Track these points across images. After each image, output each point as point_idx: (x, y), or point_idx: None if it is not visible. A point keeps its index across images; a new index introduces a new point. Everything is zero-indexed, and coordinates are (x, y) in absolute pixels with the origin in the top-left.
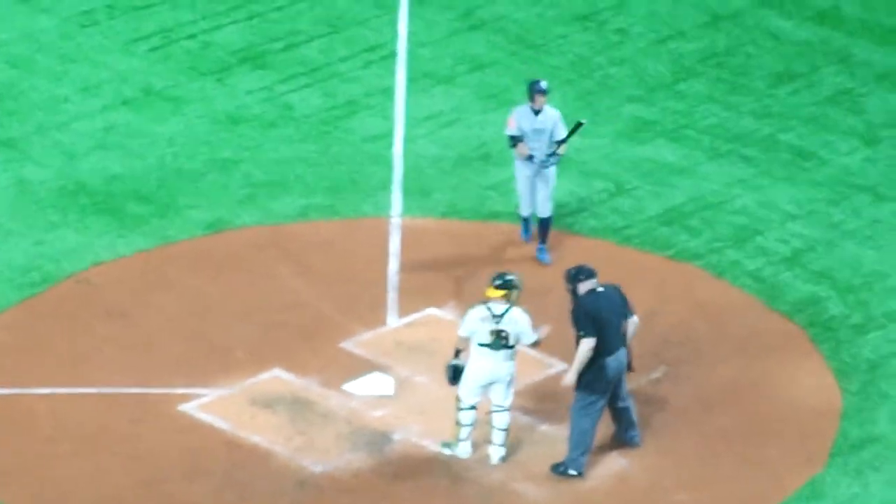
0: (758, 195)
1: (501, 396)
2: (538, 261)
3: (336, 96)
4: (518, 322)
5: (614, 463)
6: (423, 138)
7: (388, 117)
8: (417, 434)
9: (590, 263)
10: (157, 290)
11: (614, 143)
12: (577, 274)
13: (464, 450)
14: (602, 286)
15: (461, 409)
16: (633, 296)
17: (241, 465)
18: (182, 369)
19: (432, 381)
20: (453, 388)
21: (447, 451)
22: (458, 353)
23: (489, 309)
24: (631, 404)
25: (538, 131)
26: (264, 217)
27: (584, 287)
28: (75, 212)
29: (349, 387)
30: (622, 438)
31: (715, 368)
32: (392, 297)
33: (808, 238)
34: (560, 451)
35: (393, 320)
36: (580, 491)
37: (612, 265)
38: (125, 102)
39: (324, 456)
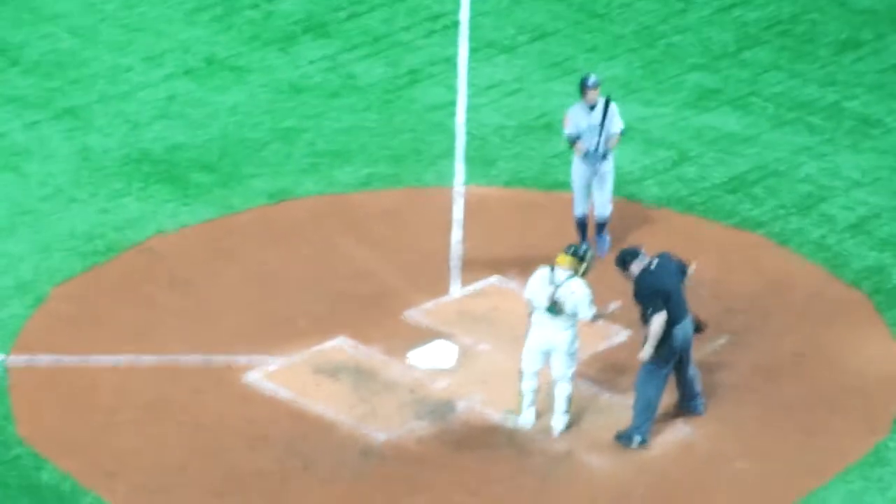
0: (822, 163)
1: (561, 366)
2: (599, 252)
3: (399, 65)
4: (575, 293)
5: (677, 431)
6: (485, 107)
7: (450, 86)
8: (480, 403)
9: (634, 246)
10: (221, 259)
11: (678, 111)
12: (625, 258)
13: (526, 418)
14: (653, 259)
15: (523, 380)
16: (699, 264)
17: (303, 435)
18: (245, 339)
19: (495, 350)
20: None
21: (510, 420)
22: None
23: (552, 271)
24: (696, 373)
25: (593, 127)
26: (327, 186)
27: (636, 268)
28: (139, 180)
29: (412, 355)
30: (686, 407)
31: (778, 337)
32: (455, 266)
33: (873, 205)
34: (624, 420)
35: (456, 289)
36: (643, 459)
37: (676, 234)
38: (188, 72)
39: (387, 424)
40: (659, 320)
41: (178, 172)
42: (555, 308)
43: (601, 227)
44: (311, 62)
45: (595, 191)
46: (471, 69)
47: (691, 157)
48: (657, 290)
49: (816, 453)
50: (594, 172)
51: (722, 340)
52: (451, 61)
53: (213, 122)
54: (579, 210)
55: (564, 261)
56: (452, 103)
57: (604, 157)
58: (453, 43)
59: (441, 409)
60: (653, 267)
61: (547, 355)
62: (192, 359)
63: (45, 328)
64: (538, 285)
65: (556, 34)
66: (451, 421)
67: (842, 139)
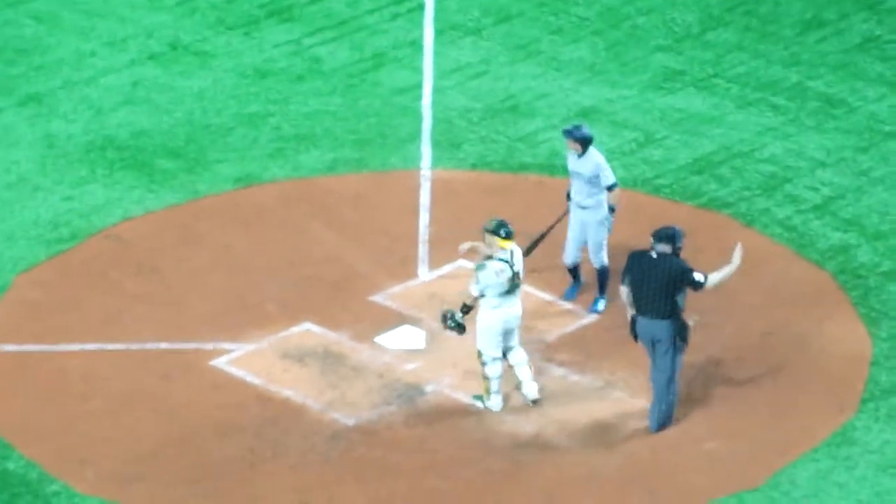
0: (787, 143)
1: (515, 336)
2: (590, 311)
3: (363, 49)
4: (520, 257)
5: (645, 412)
6: (451, 90)
7: (416, 69)
8: (449, 386)
9: (673, 228)
10: (187, 245)
11: (643, 93)
12: (655, 233)
13: (496, 402)
14: (657, 254)
15: (487, 363)
16: None
17: (272, 420)
18: (213, 324)
19: (464, 334)
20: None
21: (479, 405)
22: (467, 311)
23: (503, 259)
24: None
25: (575, 174)
26: (293, 171)
27: (660, 248)
28: (104, 167)
29: (380, 340)
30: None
31: (745, 317)
32: (422, 249)
33: (838, 185)
34: (592, 401)
35: (424, 273)
36: (613, 440)
37: (642, 215)
38: (152, 57)
39: (356, 409)
40: (621, 289)
41: (144, 158)
42: (516, 284)
43: (599, 284)
44: (276, 46)
45: (583, 237)
46: (436, 52)
47: (657, 138)
48: (630, 268)
49: (784, 432)
50: (577, 221)
51: (689, 322)
52: (416, 44)
53: (178, 107)
54: (565, 259)
55: (506, 244)
56: (418, 86)
57: (581, 207)
58: (418, 26)
59: (410, 392)
60: (652, 255)
61: (508, 333)
62: (160, 345)
63: (10, 316)
64: (495, 278)
65: (521, 16)
66: (420, 405)
67: (806, 119)
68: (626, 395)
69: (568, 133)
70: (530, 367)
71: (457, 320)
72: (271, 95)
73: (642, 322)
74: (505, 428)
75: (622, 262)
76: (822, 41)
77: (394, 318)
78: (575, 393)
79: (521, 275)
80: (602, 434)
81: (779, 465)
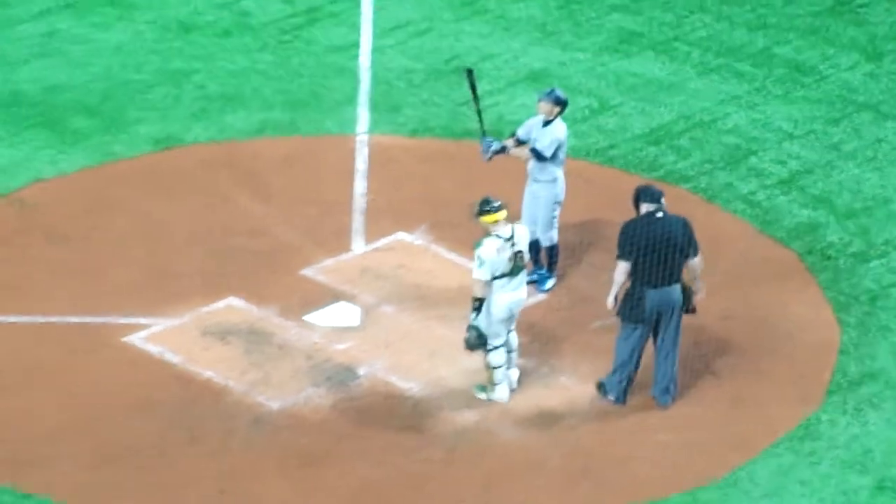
0: (752, 113)
1: (512, 319)
2: (537, 291)
3: (296, 3)
4: (523, 236)
5: (597, 399)
6: (391, 49)
7: (353, 26)
8: (384, 369)
9: (656, 186)
10: (102, 211)
11: (597, 56)
12: (639, 194)
13: (502, 393)
14: (664, 213)
15: (492, 350)
16: (618, 221)
17: (191, 402)
18: (128, 298)
19: (401, 312)
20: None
21: (483, 396)
22: (479, 306)
23: (499, 237)
24: (671, 355)
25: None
26: (219, 133)
27: (644, 208)
28: (11, 125)
29: (310, 317)
30: (653, 393)
31: (705, 300)
32: (358, 220)
33: (806, 160)
34: (533, 386)
35: (358, 246)
36: (559, 429)
37: (595, 188)
38: (68, 6)
39: (281, 392)
40: (619, 269)
41: (56, 116)
42: (519, 265)
43: (548, 261)
44: None
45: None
46: (375, 7)
47: (611, 105)
48: (636, 240)
49: (744, 424)
50: (530, 194)
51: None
52: None
53: (94, 61)
54: None
55: (500, 217)
56: (355, 45)
57: (535, 180)
58: None
59: (341, 375)
60: (656, 216)
61: (511, 318)
62: (70, 319)
63: None
64: (497, 255)
65: None
66: (351, 388)
67: (773, 88)
68: (573, 382)
69: (549, 93)
70: (518, 354)
71: (473, 326)
72: (196, 51)
73: (655, 295)
74: (443, 414)
75: (573, 239)
76: (791, 3)
77: (325, 294)
78: (519, 378)
79: (525, 255)
80: (547, 422)
81: (737, 460)
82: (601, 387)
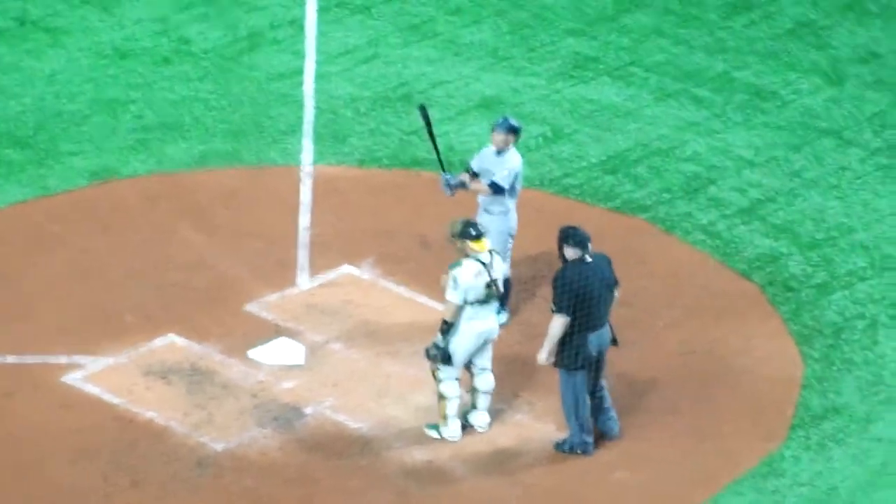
0: (711, 140)
1: (488, 356)
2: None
3: (238, 28)
4: (499, 266)
5: (552, 437)
6: (336, 76)
7: (296, 53)
8: (331, 408)
9: (583, 228)
10: (36, 247)
11: (551, 82)
12: (566, 236)
13: (454, 430)
14: (591, 256)
15: (444, 381)
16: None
17: (131, 445)
18: (64, 336)
19: (348, 348)
20: (436, 366)
21: (434, 435)
22: (448, 329)
23: (480, 261)
24: (606, 389)
25: (486, 173)
26: (157, 165)
27: (570, 253)
28: None
29: (254, 355)
30: (599, 426)
31: (664, 333)
32: (302, 254)
33: (767, 188)
34: (491, 425)
35: (304, 280)
36: (514, 468)
37: (548, 218)
38: None
39: (225, 433)
40: (557, 323)
41: None
42: (493, 293)
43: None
44: (138, 23)
45: None
46: (320, 33)
47: (566, 133)
48: (575, 290)
49: (705, 462)
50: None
51: None
52: (297, 23)
53: (26, 91)
54: None
55: (481, 245)
56: (299, 72)
57: (487, 211)
58: (299, 2)
59: (287, 415)
60: (586, 261)
61: (480, 350)
62: (6, 359)
63: None
64: (473, 280)
65: None
66: (298, 428)
67: (732, 114)
68: (528, 419)
69: (502, 123)
70: (491, 397)
71: (439, 346)
72: (133, 79)
73: (594, 337)
74: (393, 455)
75: (526, 272)
76: (751, 26)
77: (269, 331)
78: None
79: (499, 286)
80: (501, 461)
81: (698, 497)
82: (562, 445)
